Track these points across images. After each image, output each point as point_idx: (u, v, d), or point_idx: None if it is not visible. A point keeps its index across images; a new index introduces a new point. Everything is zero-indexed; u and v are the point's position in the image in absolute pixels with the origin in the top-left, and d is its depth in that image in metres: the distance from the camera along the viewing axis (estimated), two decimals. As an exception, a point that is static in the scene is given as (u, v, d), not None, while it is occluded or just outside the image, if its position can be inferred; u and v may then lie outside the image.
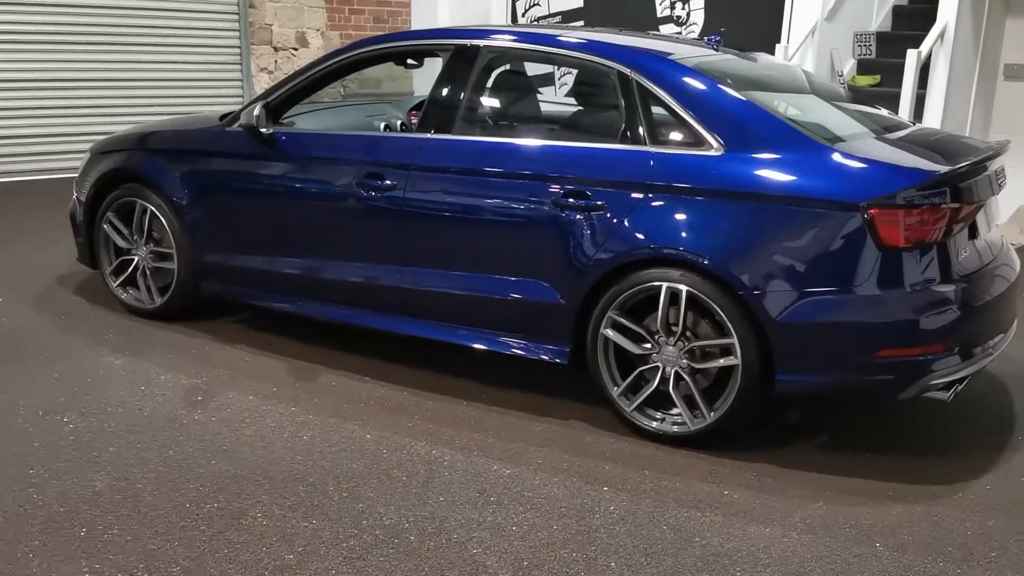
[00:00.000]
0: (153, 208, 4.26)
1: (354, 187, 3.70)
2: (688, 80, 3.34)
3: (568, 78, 8.74)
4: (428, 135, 3.64)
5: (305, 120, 4.28)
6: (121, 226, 4.41)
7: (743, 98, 3.27)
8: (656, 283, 3.20)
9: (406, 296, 3.71)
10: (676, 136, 3.29)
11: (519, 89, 4.17)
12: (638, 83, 3.35)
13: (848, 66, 7.47)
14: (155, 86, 8.17)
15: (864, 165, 3.08)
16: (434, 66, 3.92)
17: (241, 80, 8.85)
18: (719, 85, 3.31)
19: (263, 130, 3.91)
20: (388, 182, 3.63)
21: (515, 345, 3.55)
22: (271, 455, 3.13)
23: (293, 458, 3.11)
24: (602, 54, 3.46)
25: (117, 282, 4.46)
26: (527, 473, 3.06)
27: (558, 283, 3.40)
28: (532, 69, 6.70)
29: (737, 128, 3.19)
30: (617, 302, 3.28)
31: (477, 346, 3.62)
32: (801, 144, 3.13)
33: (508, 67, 4.10)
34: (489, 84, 3.91)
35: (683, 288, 3.15)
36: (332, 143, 3.89)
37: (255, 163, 3.99)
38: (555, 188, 3.35)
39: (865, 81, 7.36)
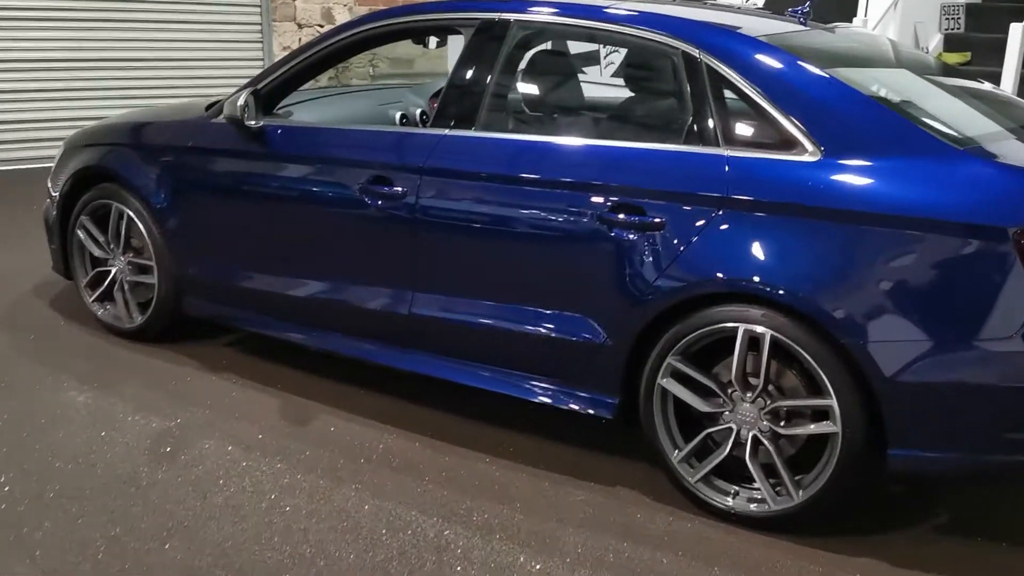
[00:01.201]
0: (131, 213, 3.64)
1: (356, 194, 3.04)
2: (775, 63, 2.61)
3: (617, 57, 7.98)
4: (445, 131, 2.96)
5: (305, 110, 3.62)
6: (97, 232, 3.81)
7: (849, 87, 2.53)
8: (731, 324, 2.50)
9: (416, 326, 3.05)
10: (759, 136, 2.57)
11: (557, 73, 3.45)
12: (709, 66, 2.63)
13: (933, 42, 6.62)
14: (166, 67, 7.57)
15: (1013, 177, 2.34)
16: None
17: (263, 60, 8.23)
18: (815, 70, 2.58)
19: (251, 123, 3.26)
20: (397, 188, 2.97)
21: (548, 392, 2.88)
22: (241, 536, 2.49)
23: (268, 541, 2.47)
24: (662, 29, 2.74)
25: (93, 297, 3.87)
26: (561, 571, 2.39)
27: (604, 319, 2.71)
28: (573, 48, 5.99)
29: (841, 126, 2.46)
30: (679, 346, 2.58)
31: (501, 392, 2.96)
32: (926, 148, 2.40)
33: (544, 46, 3.40)
34: (521, 67, 3.22)
35: (766, 332, 2.45)
36: (330, 139, 3.23)
37: (241, 162, 3.35)
38: (602, 200, 2.65)
39: (953, 59, 6.51)
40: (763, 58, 2.62)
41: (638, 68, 3.30)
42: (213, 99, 3.66)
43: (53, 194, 3.95)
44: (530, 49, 3.25)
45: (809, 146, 2.46)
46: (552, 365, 2.86)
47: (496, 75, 2.95)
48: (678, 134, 2.71)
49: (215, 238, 3.50)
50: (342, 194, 3.10)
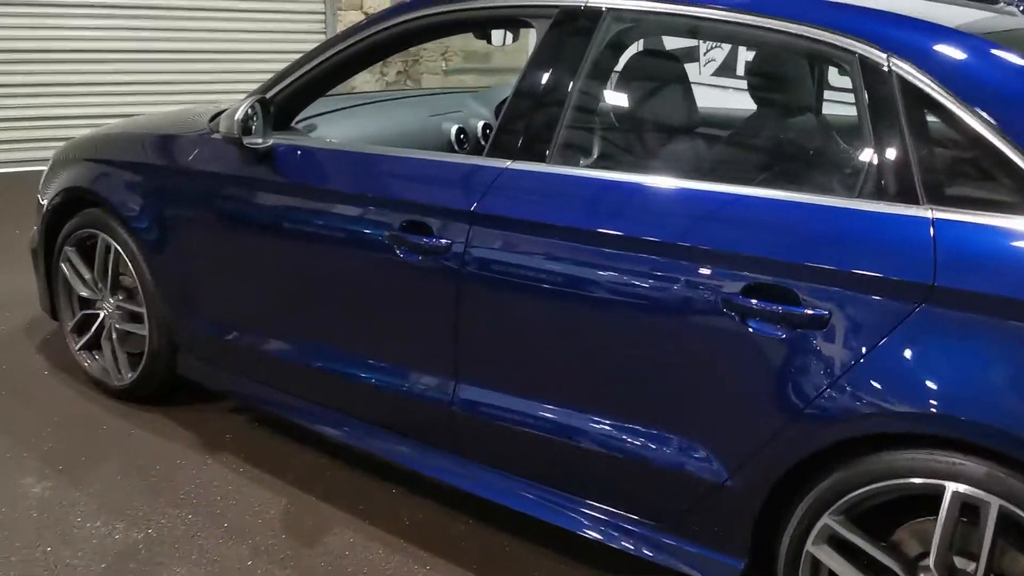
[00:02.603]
0: (117, 246, 2.93)
1: (385, 242, 2.24)
2: (1013, 78, 1.70)
3: (719, 53, 6.98)
4: (506, 163, 2.13)
5: (335, 123, 2.85)
6: (83, 268, 3.11)
7: None
8: (929, 481, 1.62)
9: (461, 424, 2.24)
10: (986, 189, 1.67)
11: (665, 84, 2.53)
12: (904, 79, 1.73)
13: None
14: (220, 59, 6.92)
15: None
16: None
17: (325, 52, 7.51)
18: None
19: (256, 142, 2.49)
20: (438, 240, 2.15)
21: (640, 539, 2.02)
22: None
23: None
24: (827, 23, 1.85)
25: (79, 344, 3.17)
26: None
27: (725, 449, 1.85)
28: (668, 42, 4.99)
29: None
30: (842, 502, 1.71)
31: (574, 530, 2.13)
32: None
33: (646, 45, 2.54)
34: (615, 75, 2.36)
35: (992, 500, 1.56)
36: (351, 166, 2.42)
37: (243, 191, 2.58)
38: (732, 277, 1.80)
39: None
40: (993, 69, 1.72)
41: (782, 78, 2.39)
42: (223, 106, 2.90)
43: (36, 220, 3.27)
44: (628, 48, 2.38)
45: (1073, 210, 1.55)
46: (647, 503, 2.01)
47: (580, 86, 2.10)
48: (849, 180, 1.84)
49: (212, 285, 2.75)
50: (366, 242, 2.30)
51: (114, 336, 3.06)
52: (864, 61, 1.78)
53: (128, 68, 6.69)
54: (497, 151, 2.16)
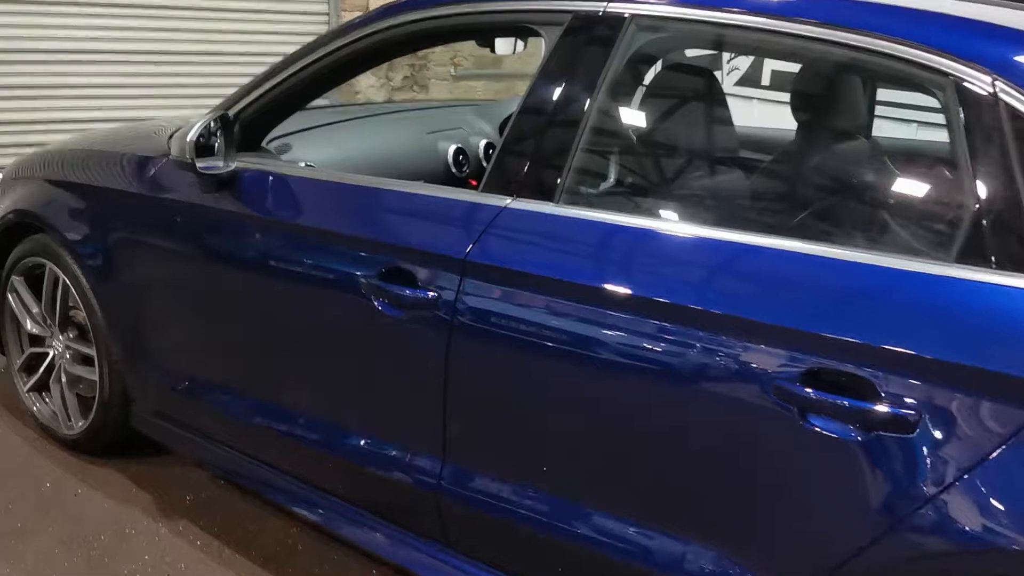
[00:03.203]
0: (66, 278, 2.57)
1: (362, 292, 1.86)
2: None
3: (740, 61, 6.56)
4: (506, 200, 1.74)
5: (314, 141, 2.48)
6: (31, 300, 2.75)
7: None
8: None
9: (446, 511, 1.86)
10: None
11: (697, 105, 2.11)
12: (1015, 109, 1.35)
13: None
14: (214, 62, 6.55)
15: None
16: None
17: (329, 57, 7.12)
18: None
19: (215, 166, 2.11)
20: (424, 293, 1.77)
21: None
22: None
23: None
24: (910, 36, 1.46)
25: (27, 385, 2.81)
26: None
27: (767, 567, 1.47)
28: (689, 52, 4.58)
29: None
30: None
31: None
32: None
33: (677, 58, 2.15)
34: (637, 95, 1.97)
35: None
36: (321, 199, 2.04)
37: (201, 222, 2.21)
38: (780, 359, 1.40)
39: None
40: None
41: (848, 106, 1.99)
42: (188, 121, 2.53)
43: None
44: (655, 63, 2.00)
45: None
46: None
47: (596, 108, 1.71)
48: (941, 235, 1.45)
49: (165, 330, 2.38)
50: (340, 290, 1.92)
51: (63, 379, 2.70)
52: (962, 86, 1.39)
53: (122, 70, 6.31)
54: (496, 185, 1.78)
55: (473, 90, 7.85)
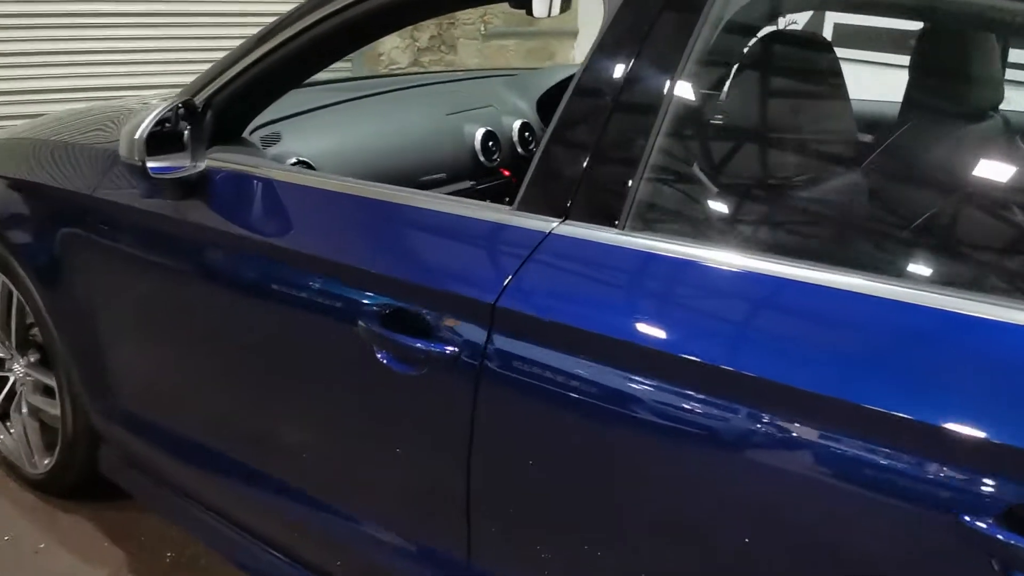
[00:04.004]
0: (19, 294, 2.15)
1: (360, 337, 1.40)
2: None
3: (798, 16, 5.97)
4: (551, 222, 1.26)
5: (311, 126, 2.02)
6: (-14, 316, 2.34)
7: None
8: None
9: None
10: None
11: (810, 88, 1.49)
12: None
13: None
14: (223, 24, 6.04)
15: None
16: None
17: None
18: None
19: (183, 165, 1.66)
20: (441, 348, 1.30)
21: None
22: None
23: None
24: None
25: (-13, 414, 2.42)
26: None
27: None
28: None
29: None
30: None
31: None
32: None
33: (777, 26, 1.62)
34: (734, 76, 1.42)
35: None
36: (306, 212, 1.56)
37: (162, 237, 1.76)
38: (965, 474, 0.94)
39: None
40: None
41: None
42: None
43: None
44: (756, 32, 1.48)
45: None
46: None
47: (678, 96, 1.23)
48: None
49: (127, 361, 1.95)
50: (330, 333, 1.48)
51: (24, 410, 2.30)
52: None
53: (123, 34, 5.82)
54: (536, 201, 1.30)
55: (505, 50, 7.29)
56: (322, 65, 1.82)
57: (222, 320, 1.69)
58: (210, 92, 1.73)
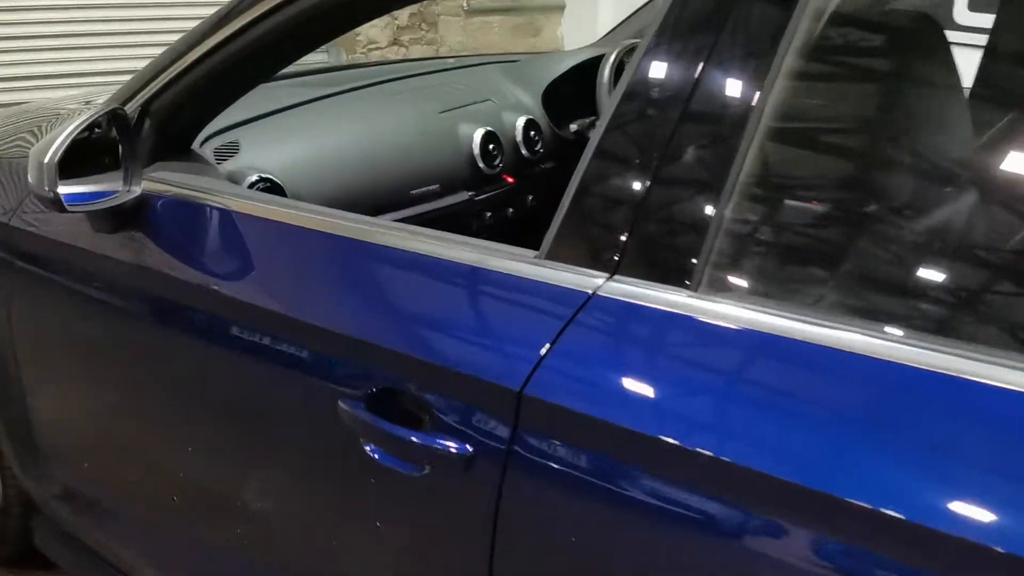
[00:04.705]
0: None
1: (339, 422, 1.07)
2: None
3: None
4: (595, 278, 0.93)
5: (277, 132, 1.68)
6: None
7: None
8: None
9: None
10: None
11: (931, 92, 1.07)
12: None
13: None
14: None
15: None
16: None
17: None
18: None
19: (115, 190, 1.31)
20: (444, 446, 0.96)
21: None
22: None
23: None
24: None
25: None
26: None
27: None
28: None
29: None
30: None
31: None
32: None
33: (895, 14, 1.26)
34: (843, 78, 1.03)
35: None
36: (266, 252, 1.22)
37: (91, 277, 1.43)
38: None
39: None
40: None
41: None
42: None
43: None
44: (863, 25, 1.12)
45: None
46: None
47: (771, 106, 0.88)
48: None
49: (58, 422, 1.62)
50: (304, 415, 1.15)
51: (-51, 469, 1.96)
52: None
53: (120, 15, 5.38)
54: (572, 249, 0.96)
55: (489, 27, 6.91)
56: (288, 59, 1.48)
57: (165, 386, 1.35)
58: (147, 96, 1.39)
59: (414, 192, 1.77)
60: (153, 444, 1.46)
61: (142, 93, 1.38)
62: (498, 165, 1.92)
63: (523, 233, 2.10)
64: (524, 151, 1.99)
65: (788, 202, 0.96)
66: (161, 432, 1.42)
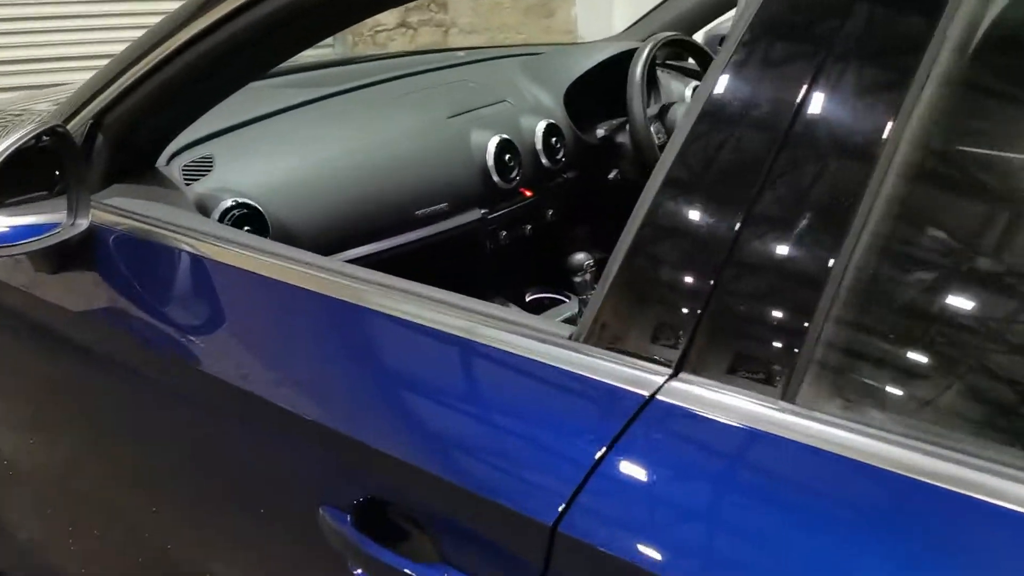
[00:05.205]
0: None
1: (323, 540, 0.85)
2: None
3: None
4: (655, 375, 0.69)
5: (253, 145, 1.44)
6: None
7: None
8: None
9: None
10: None
11: None
12: None
13: None
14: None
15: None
16: None
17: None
18: None
19: (57, 223, 1.09)
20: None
21: None
22: None
23: None
24: None
25: None
26: None
27: None
28: None
29: None
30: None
31: None
32: None
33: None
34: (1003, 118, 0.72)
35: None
36: (234, 314, 0.98)
37: (37, 327, 1.21)
38: None
39: None
40: None
41: None
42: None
43: None
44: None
45: None
46: None
47: (902, 146, 0.64)
48: None
49: (20, 497, 1.40)
50: (277, 518, 0.93)
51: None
52: None
53: None
54: (619, 335, 0.73)
55: (500, 7, 6.60)
56: (274, 59, 1.24)
57: (116, 461, 1.13)
58: (101, 106, 1.15)
59: (419, 213, 1.53)
60: (111, 534, 1.24)
61: (93, 103, 1.15)
62: (515, 178, 1.67)
63: (542, 253, 1.87)
64: (544, 160, 1.74)
65: (935, 275, 0.69)
66: (121, 519, 1.20)
